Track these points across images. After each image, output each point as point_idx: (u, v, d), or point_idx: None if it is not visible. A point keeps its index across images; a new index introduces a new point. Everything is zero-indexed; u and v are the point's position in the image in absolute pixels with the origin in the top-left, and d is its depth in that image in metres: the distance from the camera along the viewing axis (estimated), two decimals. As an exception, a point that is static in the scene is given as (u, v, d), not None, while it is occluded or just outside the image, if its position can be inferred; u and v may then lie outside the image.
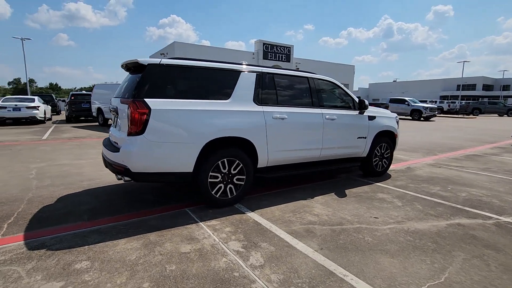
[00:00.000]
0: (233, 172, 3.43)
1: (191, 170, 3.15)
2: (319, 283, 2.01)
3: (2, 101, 13.86)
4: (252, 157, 3.58)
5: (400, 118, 9.11)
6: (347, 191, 4.12)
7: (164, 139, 2.99)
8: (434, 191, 4.18)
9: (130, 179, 3.01)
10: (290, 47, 33.36)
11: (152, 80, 3.01)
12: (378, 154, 4.96)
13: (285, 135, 3.78)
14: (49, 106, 17.22)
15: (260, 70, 3.72)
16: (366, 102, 4.53)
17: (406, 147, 8.21)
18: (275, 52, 32.25)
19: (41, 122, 14.37)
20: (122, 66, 3.54)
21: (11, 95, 43.30)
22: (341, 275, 2.11)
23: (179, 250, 2.41)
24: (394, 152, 5.53)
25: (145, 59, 3.06)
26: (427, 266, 2.24)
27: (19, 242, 2.52)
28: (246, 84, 3.54)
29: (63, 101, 25.90)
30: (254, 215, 3.19)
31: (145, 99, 2.90)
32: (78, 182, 4.34)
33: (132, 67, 3.39)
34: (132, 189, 4.06)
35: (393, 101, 22.77)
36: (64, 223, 2.93)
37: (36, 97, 15.06)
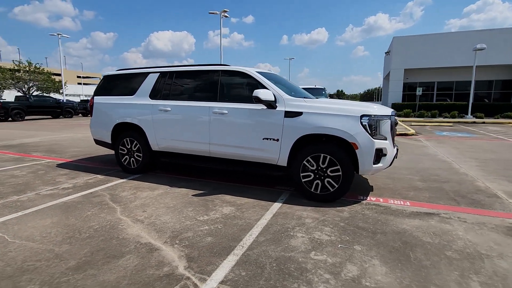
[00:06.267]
0: (133, 149, 4.59)
1: (110, 141, 4.80)
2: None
3: None
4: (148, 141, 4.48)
5: None
6: (214, 197, 3.63)
7: (98, 120, 4.91)
8: (289, 245, 2.60)
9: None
10: None
11: (102, 84, 4.98)
12: (313, 169, 3.44)
13: (168, 125, 4.23)
14: None
15: (164, 70, 4.40)
16: (260, 94, 3.39)
17: None
18: None
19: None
20: None
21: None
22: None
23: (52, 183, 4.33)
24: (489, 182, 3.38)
25: (105, 72, 5.07)
26: None
27: (63, 161, 5.61)
28: (148, 83, 4.47)
29: None
30: (122, 181, 4.24)
31: (95, 96, 4.96)
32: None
33: None
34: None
35: None
36: (85, 160, 5.75)
37: None
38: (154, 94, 4.41)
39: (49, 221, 2.84)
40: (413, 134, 10.18)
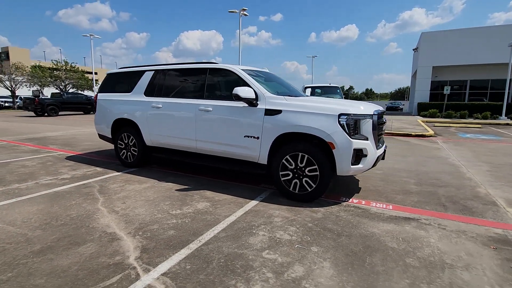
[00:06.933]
0: (130, 144, 4.81)
1: (110, 136, 5.06)
2: None
3: None
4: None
5: None
6: (195, 192, 3.72)
7: (100, 116, 5.19)
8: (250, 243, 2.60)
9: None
10: None
11: (105, 82, 5.26)
12: (292, 168, 3.40)
13: (160, 121, 4.37)
14: None
15: (157, 68, 4.55)
16: (240, 92, 3.39)
17: None
18: None
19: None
20: None
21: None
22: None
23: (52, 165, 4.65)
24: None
25: (110, 70, 5.33)
26: None
27: (73, 154, 6.00)
28: (144, 80, 4.64)
29: None
30: (117, 174, 4.47)
31: (98, 93, 5.24)
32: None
33: None
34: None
35: None
36: (94, 154, 6.10)
37: None
38: (148, 91, 4.58)
39: (35, 208, 3.08)
40: (431, 136, 9.61)
